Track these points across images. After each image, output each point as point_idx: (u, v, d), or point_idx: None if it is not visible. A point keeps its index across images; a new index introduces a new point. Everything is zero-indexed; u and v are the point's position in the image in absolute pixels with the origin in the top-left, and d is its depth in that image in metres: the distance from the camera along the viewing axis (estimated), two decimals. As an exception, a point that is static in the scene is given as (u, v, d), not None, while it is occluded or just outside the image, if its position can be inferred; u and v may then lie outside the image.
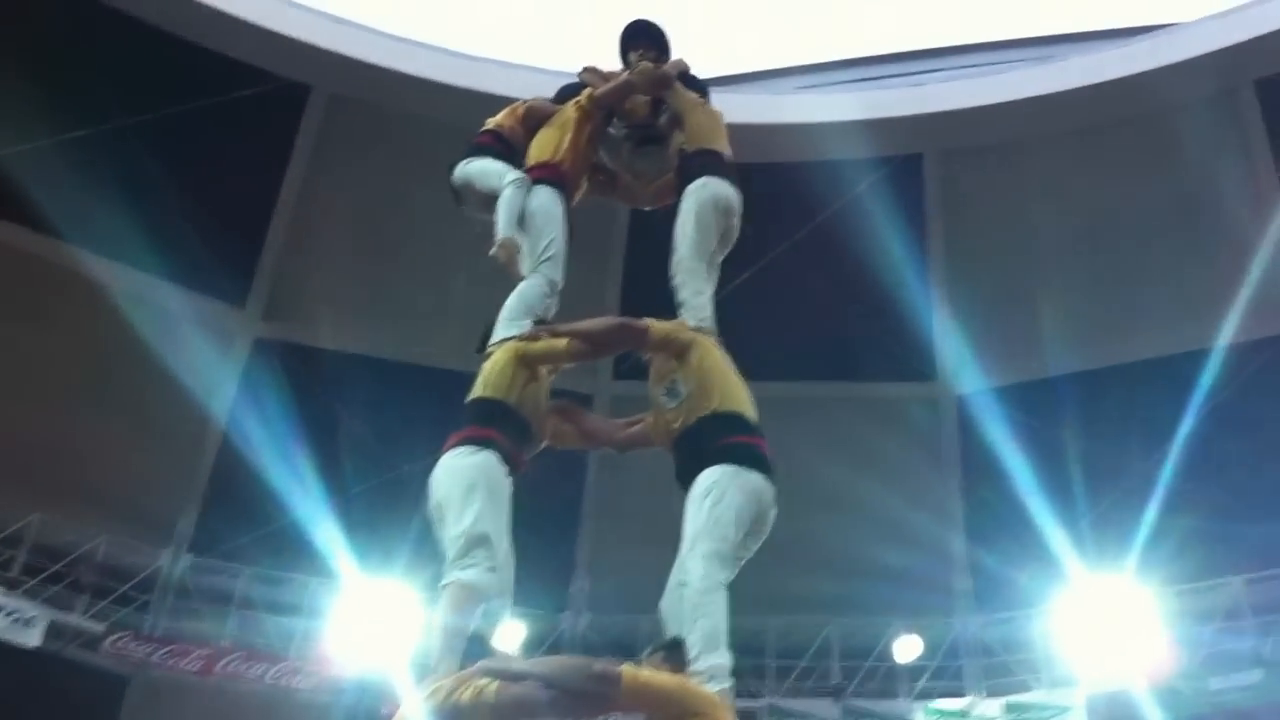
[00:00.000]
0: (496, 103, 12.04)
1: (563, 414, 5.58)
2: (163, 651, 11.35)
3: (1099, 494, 11.85)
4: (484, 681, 3.99)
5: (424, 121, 11.33)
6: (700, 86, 6.49)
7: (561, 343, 5.28)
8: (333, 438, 11.36)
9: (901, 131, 11.71)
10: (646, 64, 6.27)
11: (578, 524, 11.85)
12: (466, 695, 4.00)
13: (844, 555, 11.43)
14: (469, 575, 4.63)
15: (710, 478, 4.83)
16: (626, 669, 4.05)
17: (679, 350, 5.24)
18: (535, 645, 12.01)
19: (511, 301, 5.65)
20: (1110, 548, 11.81)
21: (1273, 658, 11.79)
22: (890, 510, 11.06)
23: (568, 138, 6.07)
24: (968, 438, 11.72)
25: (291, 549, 11.27)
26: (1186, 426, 11.57)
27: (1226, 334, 11.68)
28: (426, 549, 11.59)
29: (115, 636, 11.29)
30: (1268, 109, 12.13)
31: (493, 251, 6.03)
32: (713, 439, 4.98)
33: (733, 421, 5.08)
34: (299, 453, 11.13)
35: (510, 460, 5.07)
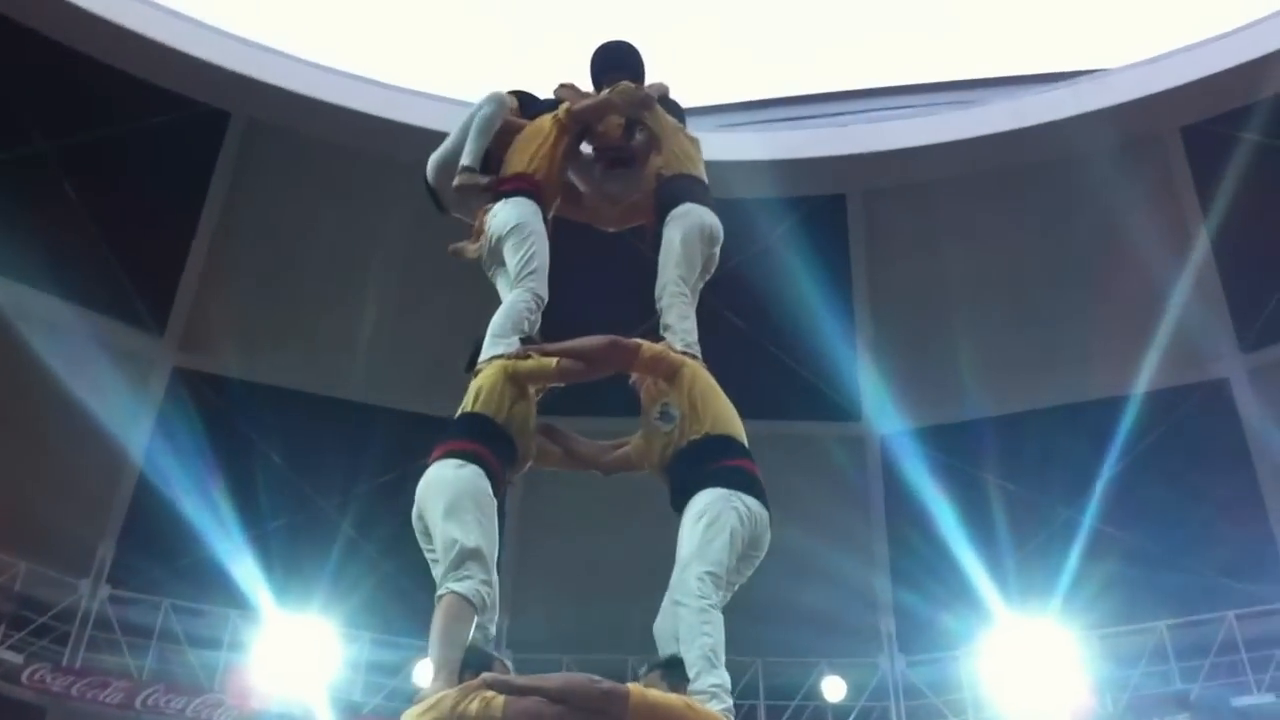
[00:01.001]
0: (418, 134, 12.13)
1: (548, 434, 5.53)
2: (82, 683, 11.15)
3: (1023, 537, 11.89)
4: (490, 694, 3.90)
5: (345, 151, 11.32)
6: (679, 111, 6.46)
7: (551, 362, 5.22)
8: (251, 470, 11.24)
9: (825, 172, 11.76)
10: (628, 84, 6.24)
11: (499, 562, 11.66)
12: (474, 707, 3.89)
13: (767, 596, 11.24)
14: (464, 587, 4.56)
15: (704, 500, 4.83)
16: (634, 688, 4.02)
17: (669, 372, 5.24)
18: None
19: (498, 318, 5.56)
20: (1035, 590, 11.84)
21: (1196, 702, 11.73)
22: (814, 551, 10.98)
23: (544, 151, 6.00)
24: (891, 479, 11.71)
25: (211, 582, 11.14)
26: (1107, 472, 11.64)
27: (1146, 381, 11.74)
28: (344, 584, 11.52)
29: (34, 668, 11.09)
30: (1193, 156, 12.25)
31: (456, 182, 5.96)
32: (706, 462, 4.97)
33: (726, 445, 5.09)
34: (218, 485, 11.03)
35: (495, 477, 4.97)
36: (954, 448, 11.77)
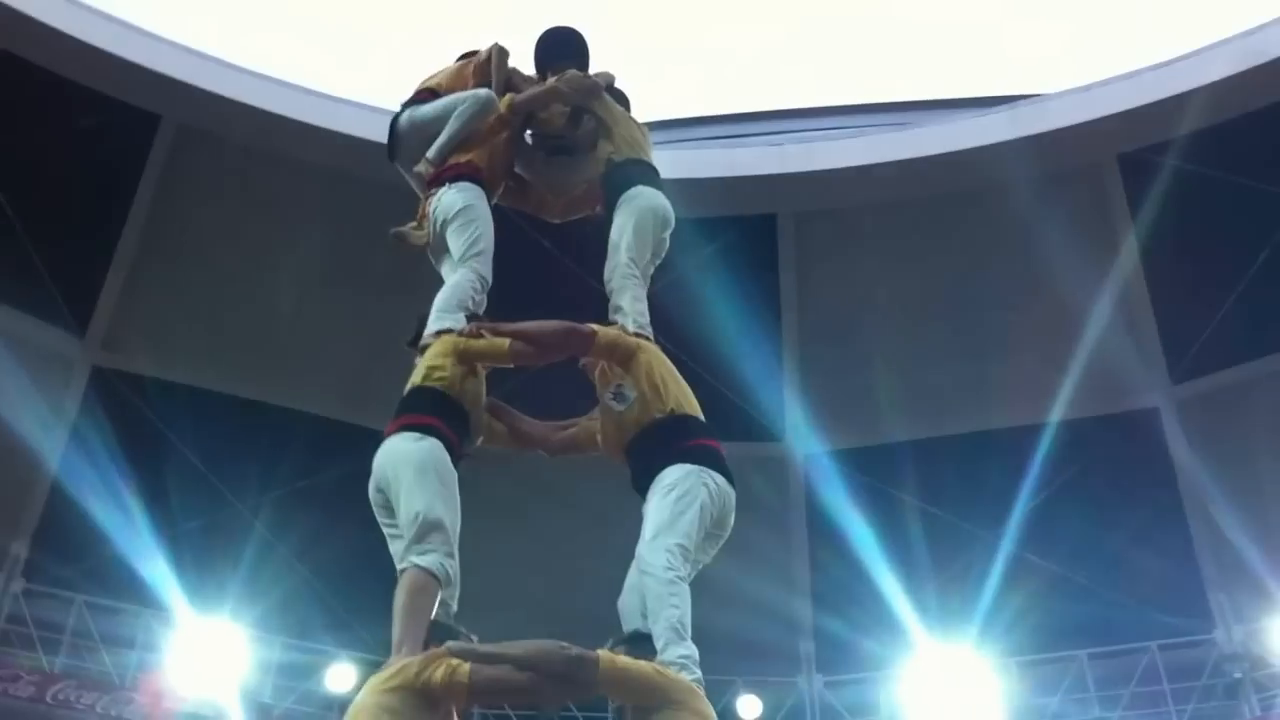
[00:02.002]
0: (349, 143, 12.12)
1: (494, 411, 5.48)
2: (-8, 675, 11.19)
3: (944, 562, 11.83)
4: (455, 662, 3.87)
5: (272, 156, 11.39)
6: (625, 100, 6.41)
7: (504, 343, 5.20)
8: (168, 471, 11.28)
9: (757, 191, 11.72)
10: (575, 72, 6.18)
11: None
12: (439, 674, 3.85)
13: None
14: (428, 560, 4.51)
15: (674, 474, 4.81)
16: (603, 653, 3.99)
17: (625, 356, 5.21)
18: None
19: (444, 294, 5.51)
20: (954, 617, 11.79)
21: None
22: (733, 570, 10.92)
23: (484, 143, 5.93)
24: (813, 500, 11.64)
25: (125, 581, 11.20)
26: (1032, 499, 11.62)
27: (1074, 408, 11.70)
28: (257, 587, 11.51)
29: (-56, 661, 11.13)
30: (1130, 184, 12.19)
31: (418, 168, 5.86)
32: (672, 440, 4.97)
33: (690, 424, 5.10)
34: (134, 484, 11.07)
35: (452, 451, 4.93)
36: (877, 470, 11.76)
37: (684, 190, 11.71)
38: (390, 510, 4.82)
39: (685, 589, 4.57)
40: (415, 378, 5.17)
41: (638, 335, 5.39)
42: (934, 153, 11.94)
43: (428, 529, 4.58)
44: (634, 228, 5.73)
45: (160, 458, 11.17)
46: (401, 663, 3.98)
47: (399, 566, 4.53)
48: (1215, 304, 11.98)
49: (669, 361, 5.31)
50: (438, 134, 6.04)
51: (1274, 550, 11.59)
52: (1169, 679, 11.79)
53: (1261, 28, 11.88)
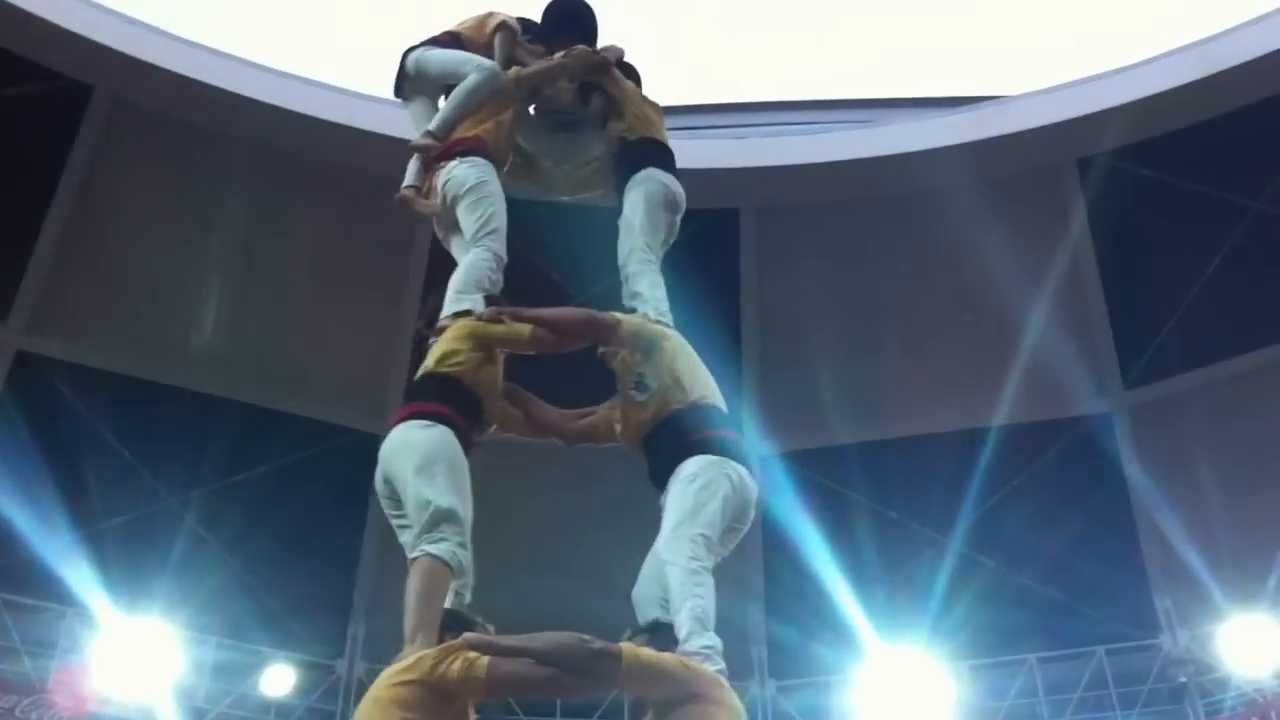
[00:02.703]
0: (296, 120, 11.56)
1: (510, 397, 5.32)
2: (-100, 679, 10.52)
3: (894, 565, 11.69)
4: (473, 655, 3.73)
5: (214, 134, 10.86)
6: (635, 75, 6.27)
7: (525, 330, 5.08)
8: (96, 462, 10.68)
9: (719, 184, 11.42)
10: (583, 47, 6.01)
11: (356, 562, 11.15)
12: (455, 667, 3.72)
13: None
14: (440, 549, 4.42)
15: (696, 465, 4.73)
16: (626, 647, 3.87)
17: (647, 345, 5.10)
18: (307, 693, 11.36)
19: (460, 274, 5.37)
20: (905, 620, 11.68)
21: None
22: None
23: (490, 118, 5.76)
24: (765, 504, 11.35)
25: (47, 579, 10.60)
26: (983, 502, 11.58)
27: (1027, 411, 11.67)
28: (188, 584, 10.97)
29: None
30: (1088, 188, 12.16)
31: (413, 143, 5.72)
32: (693, 430, 4.87)
33: (712, 414, 4.99)
34: (58, 476, 10.40)
35: (463, 440, 4.79)
36: (830, 472, 11.60)
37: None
38: (397, 501, 4.70)
39: (709, 579, 4.48)
40: (429, 362, 5.01)
41: (658, 323, 5.30)
42: (897, 151, 11.81)
43: (439, 518, 4.47)
44: (646, 210, 5.63)
45: (86, 449, 10.60)
46: (416, 655, 3.86)
47: (410, 555, 4.42)
48: (1170, 309, 12.06)
49: (692, 351, 5.21)
50: (436, 87, 5.96)
51: (1219, 557, 11.69)
52: (1116, 683, 11.85)
53: (1219, 35, 11.96)
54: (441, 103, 6.02)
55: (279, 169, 11.06)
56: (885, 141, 11.94)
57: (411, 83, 6.09)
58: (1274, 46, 11.34)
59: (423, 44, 6.14)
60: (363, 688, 12.25)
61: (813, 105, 13.37)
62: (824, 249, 11.94)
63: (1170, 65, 11.88)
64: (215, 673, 11.20)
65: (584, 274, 9.68)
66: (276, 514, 10.73)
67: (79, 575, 10.37)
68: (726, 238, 11.92)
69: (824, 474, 11.75)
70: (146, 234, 11.07)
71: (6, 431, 10.38)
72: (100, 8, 10.90)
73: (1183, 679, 11.83)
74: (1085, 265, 12.19)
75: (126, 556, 10.56)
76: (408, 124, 12.48)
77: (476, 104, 5.84)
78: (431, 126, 5.84)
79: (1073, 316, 12.03)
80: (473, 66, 5.92)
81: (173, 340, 11.05)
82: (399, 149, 11.93)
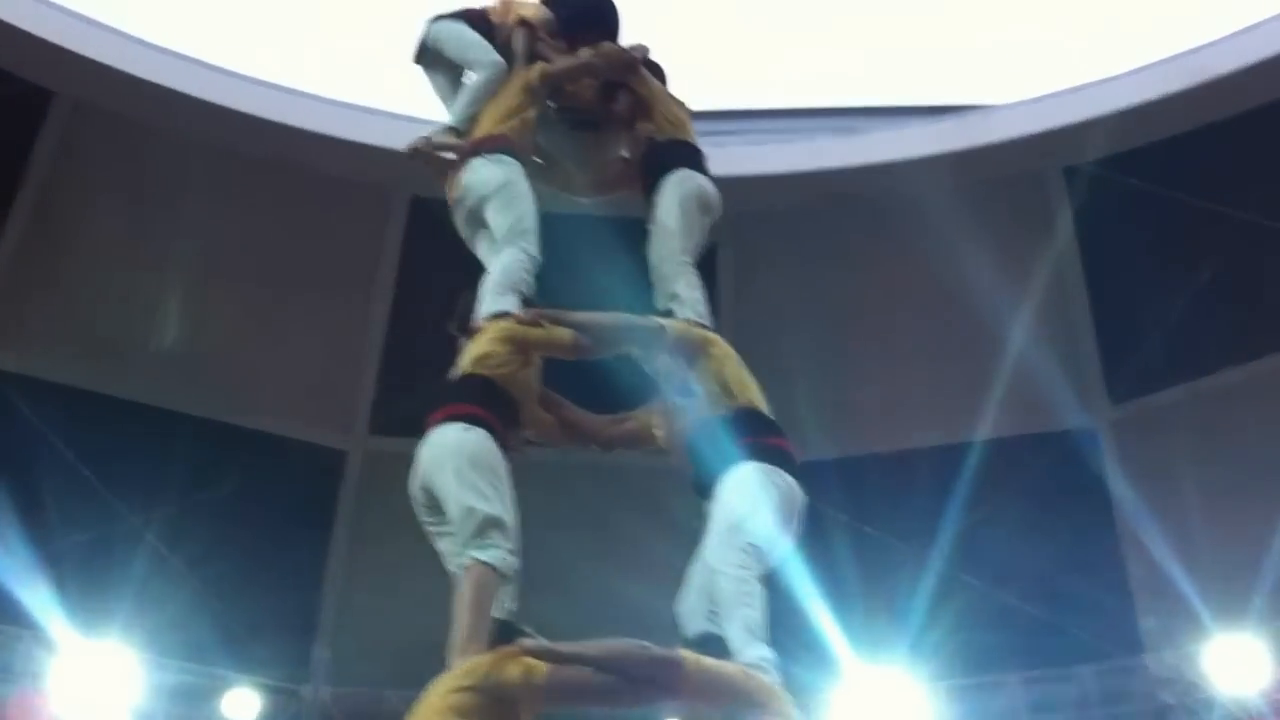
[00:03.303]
0: (264, 126, 11.23)
1: (546, 404, 5.25)
2: None
3: (872, 583, 11.40)
4: (530, 661, 3.68)
5: (178, 139, 10.54)
6: (662, 75, 6.17)
7: (566, 334, 4.98)
8: (53, 479, 10.31)
9: (698, 192, 11.11)
10: (611, 45, 5.96)
11: (320, 582, 10.80)
12: (513, 673, 3.66)
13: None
14: (491, 555, 4.33)
15: (744, 472, 4.64)
16: (689, 654, 3.82)
17: (693, 351, 5.02)
18: (271, 718, 11.01)
19: (495, 275, 5.29)
20: (883, 639, 11.40)
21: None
22: (650, 596, 10.39)
23: (514, 112, 5.68)
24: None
25: (2, 600, 10.11)
26: (964, 518, 11.34)
27: (1009, 425, 11.43)
28: (148, 605, 10.65)
29: None
30: (1075, 198, 11.93)
31: (434, 139, 5.65)
32: (740, 437, 4.79)
33: (759, 422, 4.93)
34: (13, 493, 10.01)
35: (502, 444, 4.70)
36: (805, 488, 11.23)
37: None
38: (435, 508, 4.58)
39: (759, 589, 4.41)
40: (464, 362, 4.93)
41: (701, 327, 5.22)
42: (879, 160, 11.58)
43: (486, 524, 4.38)
44: (681, 211, 5.55)
45: (43, 465, 10.24)
46: (471, 662, 3.78)
47: (455, 564, 4.35)
48: (1158, 323, 11.83)
49: (737, 356, 5.12)
50: (451, 65, 5.91)
51: (1205, 575, 11.46)
52: (1100, 703, 11.63)
53: (1206, 46, 11.77)
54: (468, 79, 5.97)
55: (242, 175, 10.77)
56: (867, 150, 11.71)
57: (431, 54, 6.02)
58: (1261, 56, 11.16)
59: (449, 16, 6.06)
60: (327, 711, 12.05)
61: (793, 113, 13.15)
62: (802, 258, 11.71)
63: (1157, 74, 11.67)
64: (175, 697, 10.87)
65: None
66: (238, 532, 10.45)
67: (36, 596, 10.04)
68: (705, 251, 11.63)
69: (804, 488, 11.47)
70: (106, 243, 10.77)
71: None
72: (60, 9, 10.62)
73: (1169, 700, 11.66)
74: (1070, 276, 11.98)
75: (84, 577, 10.22)
76: (376, 129, 12.09)
77: (487, 98, 5.77)
78: (453, 122, 5.80)
79: (1057, 329, 11.81)
80: (477, 60, 5.86)
81: (132, 353, 10.74)
82: (365, 153, 11.70)
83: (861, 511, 11.54)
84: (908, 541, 11.49)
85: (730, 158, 11.87)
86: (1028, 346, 11.50)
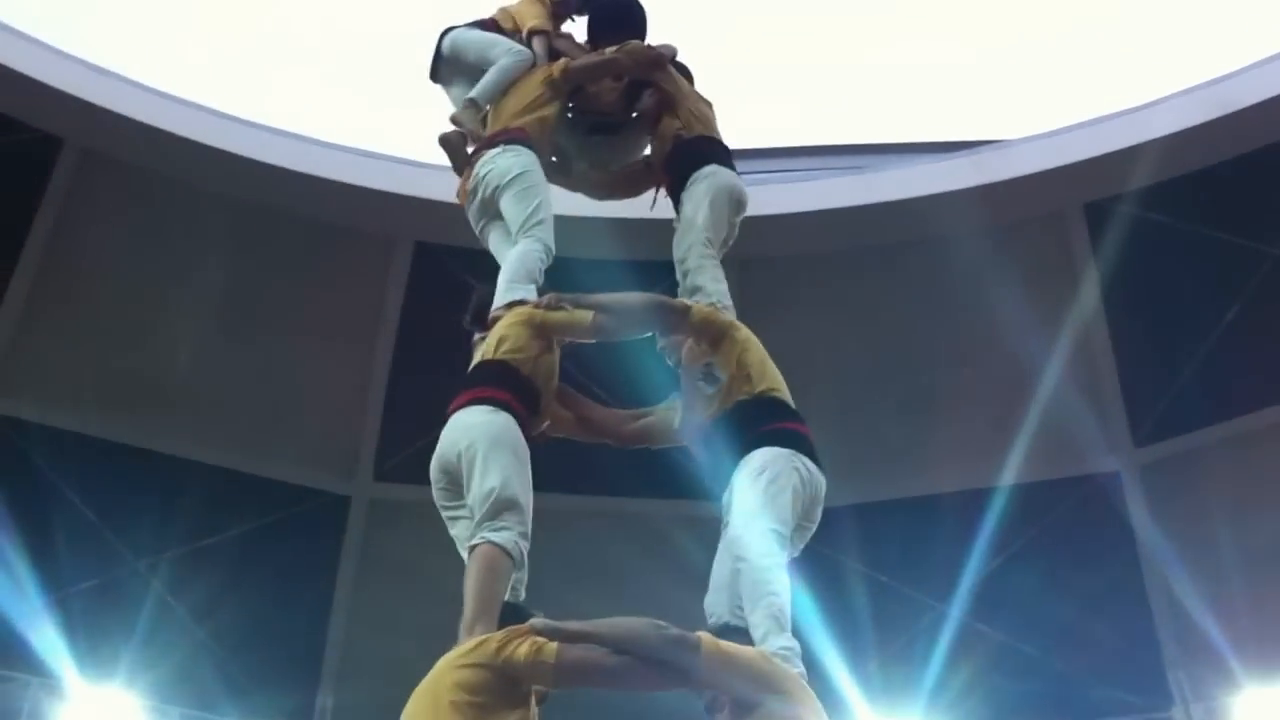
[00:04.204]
0: (272, 172, 11.21)
1: (562, 398, 5.20)
2: None
3: (888, 633, 11.04)
4: (541, 640, 3.58)
5: (183, 188, 10.54)
6: (688, 74, 6.11)
7: (586, 316, 4.92)
8: (60, 526, 10.34)
9: (703, 234, 10.89)
10: (637, 42, 5.89)
11: (325, 631, 10.67)
12: (522, 651, 3.56)
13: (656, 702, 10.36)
14: (503, 537, 4.28)
15: (764, 457, 4.52)
16: (706, 636, 3.70)
17: (716, 335, 4.91)
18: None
19: (511, 265, 5.25)
20: (899, 691, 11.04)
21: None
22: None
23: (533, 108, 5.63)
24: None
25: (10, 646, 10.24)
26: (984, 567, 10.97)
27: (1030, 471, 11.03)
28: (153, 652, 10.61)
29: None
30: (1095, 235, 11.53)
31: (460, 114, 5.66)
32: (761, 422, 4.69)
33: (780, 407, 4.84)
34: (21, 540, 10.04)
35: (524, 430, 4.66)
36: (819, 534, 10.91)
37: (627, 231, 10.98)
38: (453, 492, 4.52)
39: (785, 576, 4.28)
40: (486, 348, 4.85)
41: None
42: (891, 198, 11.29)
43: (502, 506, 4.31)
44: (710, 205, 5.51)
45: (50, 512, 10.26)
46: (480, 639, 3.72)
47: (469, 544, 4.28)
48: (1182, 362, 11.41)
49: (759, 343, 5.03)
50: (471, 70, 5.83)
51: (1235, 625, 10.97)
52: (1116, 758, 11.17)
53: (1229, 76, 11.36)
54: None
55: (247, 222, 10.72)
56: (880, 188, 11.41)
57: (447, 65, 5.99)
58: (1287, 86, 10.71)
59: (462, 26, 6.02)
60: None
61: (800, 151, 12.89)
62: (815, 301, 11.41)
63: (1179, 106, 11.27)
64: (179, 744, 10.85)
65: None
66: (244, 580, 10.41)
67: (42, 642, 10.04)
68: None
69: (815, 535, 11.13)
70: (114, 290, 10.76)
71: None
72: (68, 56, 10.66)
73: (1197, 755, 11.18)
74: (1092, 316, 11.54)
75: (92, 623, 10.24)
76: (384, 175, 11.95)
77: (514, 79, 5.71)
78: (476, 95, 5.72)
79: (1079, 370, 11.40)
80: (503, 50, 5.80)
81: (137, 399, 10.69)
82: (369, 199, 11.59)
83: (880, 559, 11.19)
84: (927, 589, 11.12)
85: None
86: (1047, 388, 11.11)
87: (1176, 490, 11.38)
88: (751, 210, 11.58)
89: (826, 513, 11.45)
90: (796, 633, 10.82)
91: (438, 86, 6.26)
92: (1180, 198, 11.15)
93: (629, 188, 6.23)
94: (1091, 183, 11.43)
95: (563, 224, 10.68)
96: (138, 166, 10.57)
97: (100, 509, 10.51)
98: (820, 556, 11.61)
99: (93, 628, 10.33)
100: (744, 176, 12.63)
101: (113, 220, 10.69)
